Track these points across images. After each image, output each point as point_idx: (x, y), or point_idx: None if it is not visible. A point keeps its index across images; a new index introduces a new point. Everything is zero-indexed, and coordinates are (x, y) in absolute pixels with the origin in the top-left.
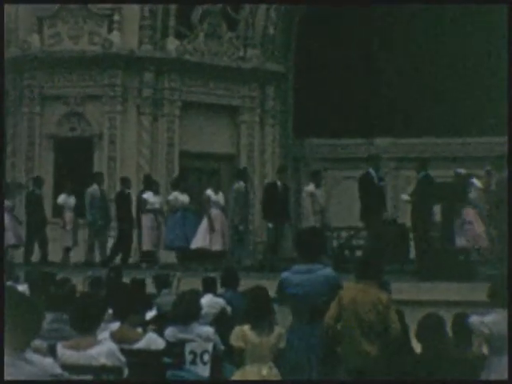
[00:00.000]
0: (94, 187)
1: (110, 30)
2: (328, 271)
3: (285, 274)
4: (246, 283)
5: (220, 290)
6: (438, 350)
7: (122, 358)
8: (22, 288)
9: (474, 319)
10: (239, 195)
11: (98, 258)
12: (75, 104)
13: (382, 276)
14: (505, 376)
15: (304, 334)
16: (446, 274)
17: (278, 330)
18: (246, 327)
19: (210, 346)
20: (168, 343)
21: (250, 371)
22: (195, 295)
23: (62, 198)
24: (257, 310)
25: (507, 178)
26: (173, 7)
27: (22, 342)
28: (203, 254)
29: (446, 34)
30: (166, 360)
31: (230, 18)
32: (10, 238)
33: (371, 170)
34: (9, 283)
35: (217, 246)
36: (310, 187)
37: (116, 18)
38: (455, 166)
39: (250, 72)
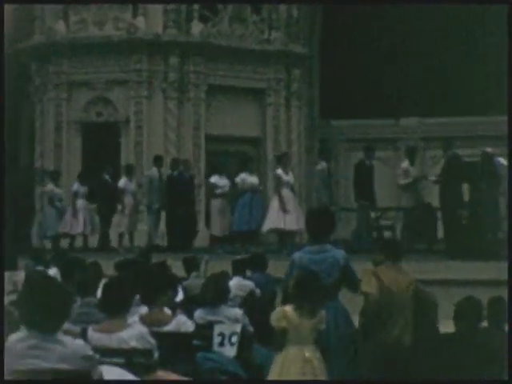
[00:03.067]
0: (153, 170)
1: (134, 15)
2: (338, 252)
3: (296, 254)
4: None
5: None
6: (475, 332)
7: (152, 341)
8: (52, 272)
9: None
10: (323, 175)
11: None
12: (101, 89)
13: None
14: None
15: None
16: (475, 253)
17: (321, 313)
18: (288, 307)
19: (238, 328)
20: (197, 325)
21: (292, 352)
22: (223, 277)
23: (122, 182)
24: (300, 291)
25: None
26: None
27: (52, 326)
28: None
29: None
30: (196, 342)
31: (254, 1)
32: (81, 226)
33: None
34: (40, 268)
35: (291, 226)
36: (405, 164)
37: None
38: (482, 145)
39: (275, 54)
